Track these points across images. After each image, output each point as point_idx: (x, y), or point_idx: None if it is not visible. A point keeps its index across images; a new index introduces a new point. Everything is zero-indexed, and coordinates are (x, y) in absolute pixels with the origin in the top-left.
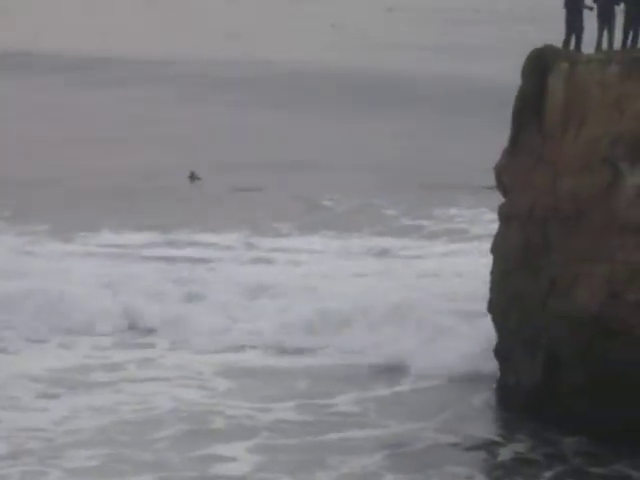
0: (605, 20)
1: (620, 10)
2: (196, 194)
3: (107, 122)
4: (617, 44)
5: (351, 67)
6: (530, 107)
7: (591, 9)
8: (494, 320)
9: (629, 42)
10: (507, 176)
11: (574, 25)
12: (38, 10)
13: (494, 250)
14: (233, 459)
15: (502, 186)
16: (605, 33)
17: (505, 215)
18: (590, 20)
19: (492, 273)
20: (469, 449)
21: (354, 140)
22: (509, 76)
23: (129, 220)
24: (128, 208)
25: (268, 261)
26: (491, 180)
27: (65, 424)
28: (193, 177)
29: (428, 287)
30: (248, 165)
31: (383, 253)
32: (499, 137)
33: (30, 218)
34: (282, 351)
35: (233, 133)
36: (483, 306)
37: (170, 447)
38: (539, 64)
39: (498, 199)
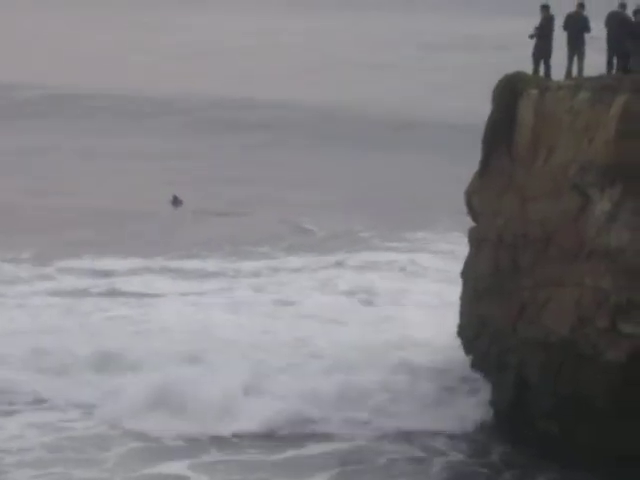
0: (575, 47)
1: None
2: (178, 218)
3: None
4: (587, 71)
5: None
6: (500, 132)
7: (532, 37)
8: (463, 343)
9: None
10: (477, 200)
11: (543, 52)
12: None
13: (464, 274)
14: (182, 477)
15: (472, 210)
16: (575, 60)
17: (475, 239)
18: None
19: (462, 297)
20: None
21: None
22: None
23: (108, 246)
24: (108, 233)
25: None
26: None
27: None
28: (176, 201)
29: None
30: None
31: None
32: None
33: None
34: None
35: (216, 158)
36: None
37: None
38: (509, 90)
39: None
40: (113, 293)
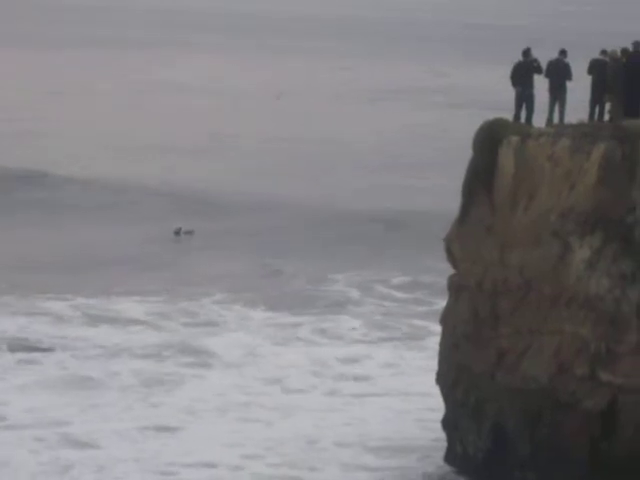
0: (556, 94)
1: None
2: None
3: None
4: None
5: None
6: (480, 179)
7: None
8: (442, 390)
9: (596, 115)
10: (457, 247)
11: (524, 97)
12: None
13: (443, 321)
14: None
15: (452, 257)
16: (556, 107)
17: (455, 286)
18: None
19: (441, 344)
20: None
21: None
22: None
23: None
24: None
25: None
26: None
27: None
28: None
29: None
30: None
31: None
32: None
33: None
34: None
35: None
36: None
37: None
38: (490, 137)
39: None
40: None
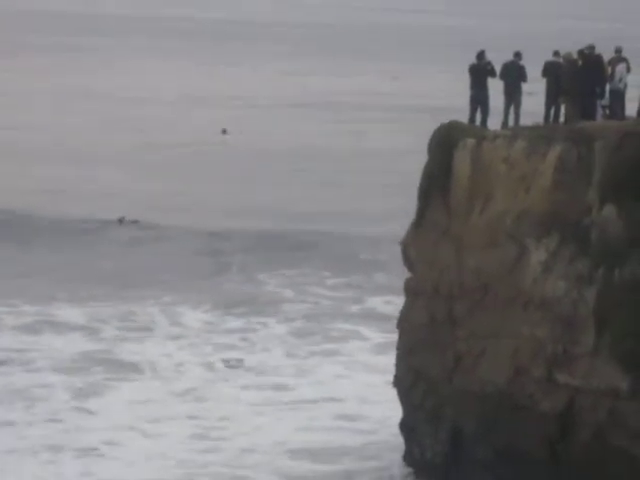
0: (511, 96)
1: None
2: None
3: None
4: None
5: None
6: (436, 182)
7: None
8: (399, 394)
9: (551, 117)
10: (413, 251)
11: (479, 100)
12: None
13: (400, 325)
14: None
15: (408, 261)
16: (511, 109)
17: (411, 290)
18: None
19: (398, 348)
20: None
21: None
22: None
23: None
24: None
25: None
26: None
27: None
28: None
29: None
30: None
31: None
32: None
33: None
34: None
35: None
36: None
37: None
38: (445, 140)
39: None
40: None
